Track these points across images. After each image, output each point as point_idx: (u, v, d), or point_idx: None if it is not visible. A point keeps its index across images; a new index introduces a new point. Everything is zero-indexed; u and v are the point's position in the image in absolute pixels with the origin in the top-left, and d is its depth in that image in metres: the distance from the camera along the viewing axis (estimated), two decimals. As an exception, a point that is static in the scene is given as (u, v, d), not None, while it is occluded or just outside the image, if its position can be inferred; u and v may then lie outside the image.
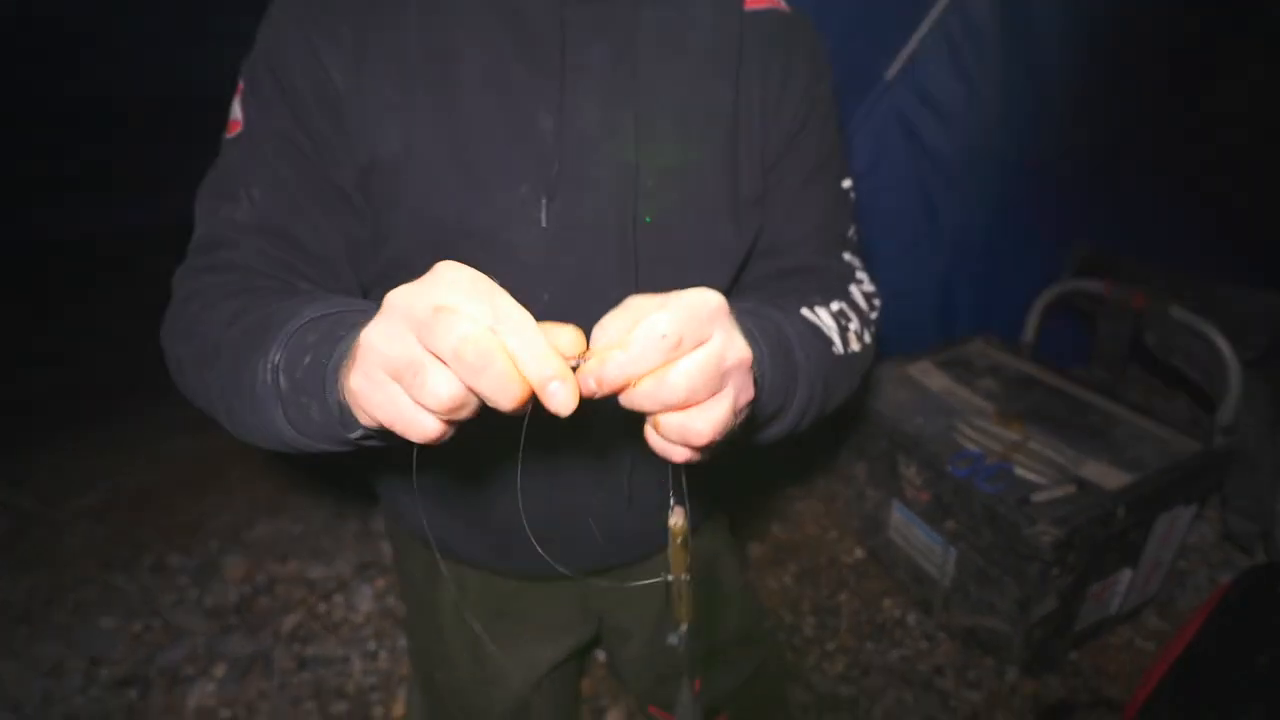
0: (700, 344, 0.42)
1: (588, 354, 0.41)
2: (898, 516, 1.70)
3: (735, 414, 0.44)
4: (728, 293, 0.80)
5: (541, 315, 0.69)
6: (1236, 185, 2.07)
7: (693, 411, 0.43)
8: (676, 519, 0.50)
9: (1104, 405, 1.66)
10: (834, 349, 0.69)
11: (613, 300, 0.67)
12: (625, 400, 0.42)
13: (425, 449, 0.45)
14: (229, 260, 0.65)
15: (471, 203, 0.66)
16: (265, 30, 0.67)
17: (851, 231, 0.83)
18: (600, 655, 1.63)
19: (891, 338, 2.16)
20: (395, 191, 0.67)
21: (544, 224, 0.66)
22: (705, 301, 0.42)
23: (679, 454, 0.45)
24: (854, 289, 0.77)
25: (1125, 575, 1.54)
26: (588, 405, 0.79)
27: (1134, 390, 2.37)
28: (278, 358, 0.51)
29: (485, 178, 0.66)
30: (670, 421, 0.43)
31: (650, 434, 0.45)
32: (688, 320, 0.41)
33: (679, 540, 0.51)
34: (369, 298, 0.78)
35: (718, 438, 0.44)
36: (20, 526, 2.26)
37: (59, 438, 2.66)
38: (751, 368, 0.46)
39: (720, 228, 0.74)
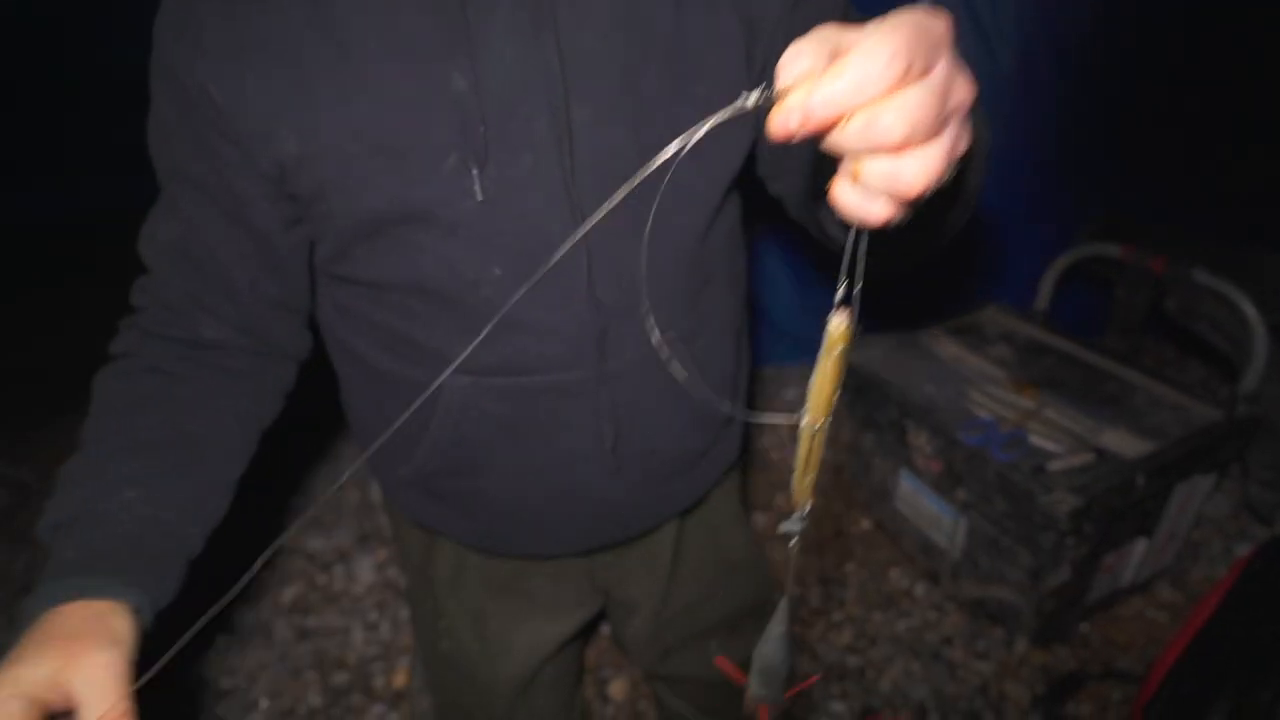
0: (925, 73, 0.33)
1: (783, 89, 0.32)
2: (906, 486, 1.66)
3: (950, 164, 0.36)
4: (702, 237, 0.72)
5: (494, 293, 0.64)
6: (1262, 146, 1.99)
7: (906, 156, 0.34)
8: (839, 320, 0.37)
9: (1121, 372, 1.61)
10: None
11: (572, 263, 0.59)
12: (830, 141, 0.34)
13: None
14: (126, 348, 0.69)
15: (398, 186, 0.60)
16: (153, 58, 0.61)
17: None
18: (604, 628, 1.61)
19: (901, 305, 2.11)
20: (318, 189, 0.61)
21: (480, 196, 0.59)
22: (933, 21, 0.33)
23: (878, 211, 0.36)
24: None
25: (1140, 545, 1.51)
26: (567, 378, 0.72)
27: (1153, 359, 2.32)
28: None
29: (406, 156, 0.59)
30: (876, 168, 0.34)
31: (843, 189, 0.36)
32: (917, 42, 0.32)
33: (836, 351, 0.38)
34: (319, 288, 0.75)
35: (926, 193, 0.35)
36: (20, 499, 2.24)
37: (60, 411, 2.64)
38: (969, 113, 0.37)
39: (681, 162, 0.65)
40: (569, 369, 0.69)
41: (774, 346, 2.32)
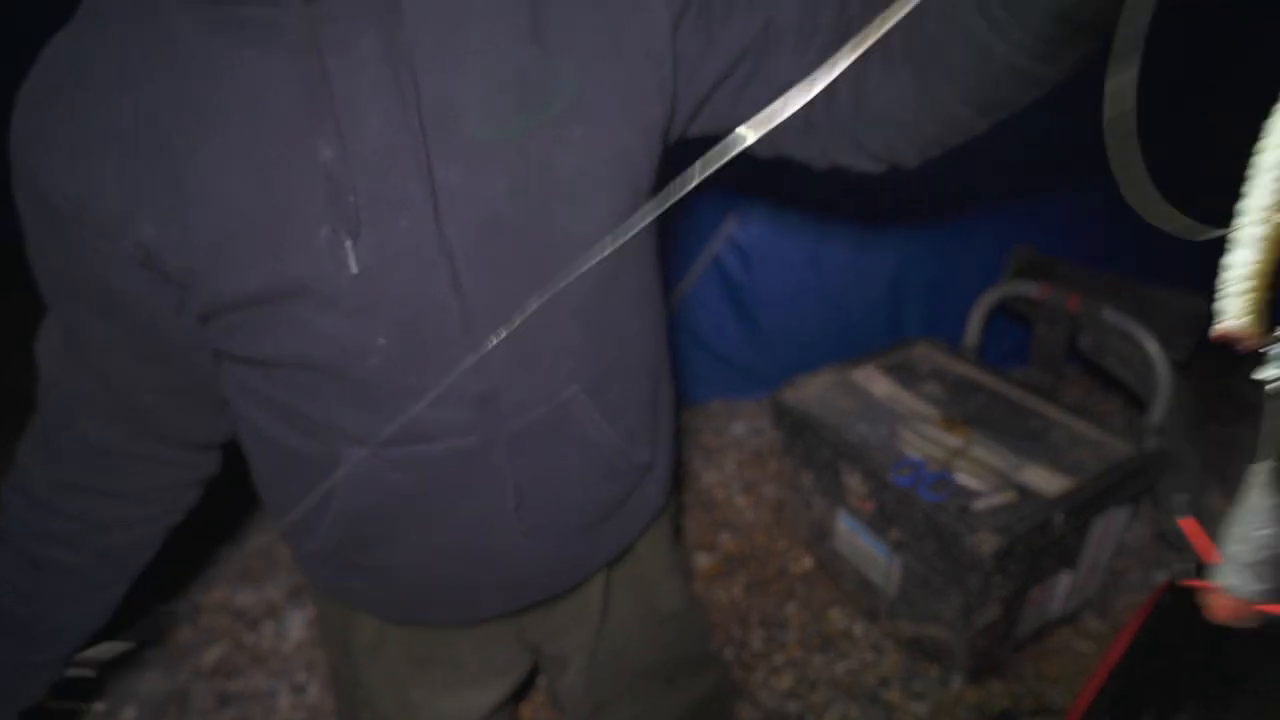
0: None
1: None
2: (843, 526, 1.68)
3: None
4: (601, 286, 0.70)
5: (382, 362, 0.61)
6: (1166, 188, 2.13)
7: None
8: None
9: (1043, 409, 1.68)
10: None
11: (457, 327, 0.58)
12: None
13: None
14: (26, 464, 0.74)
15: (271, 263, 0.58)
16: (12, 173, 0.59)
17: None
18: (541, 680, 1.57)
19: (840, 340, 2.16)
20: (188, 271, 0.59)
21: (354, 269, 0.57)
22: None
23: None
24: None
25: (1064, 578, 1.56)
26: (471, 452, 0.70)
27: (1076, 389, 2.42)
28: None
29: (278, 233, 0.57)
30: None
31: None
32: None
33: None
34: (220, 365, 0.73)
35: None
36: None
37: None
38: None
39: (560, 213, 0.63)
40: (465, 434, 0.68)
41: (720, 380, 2.35)
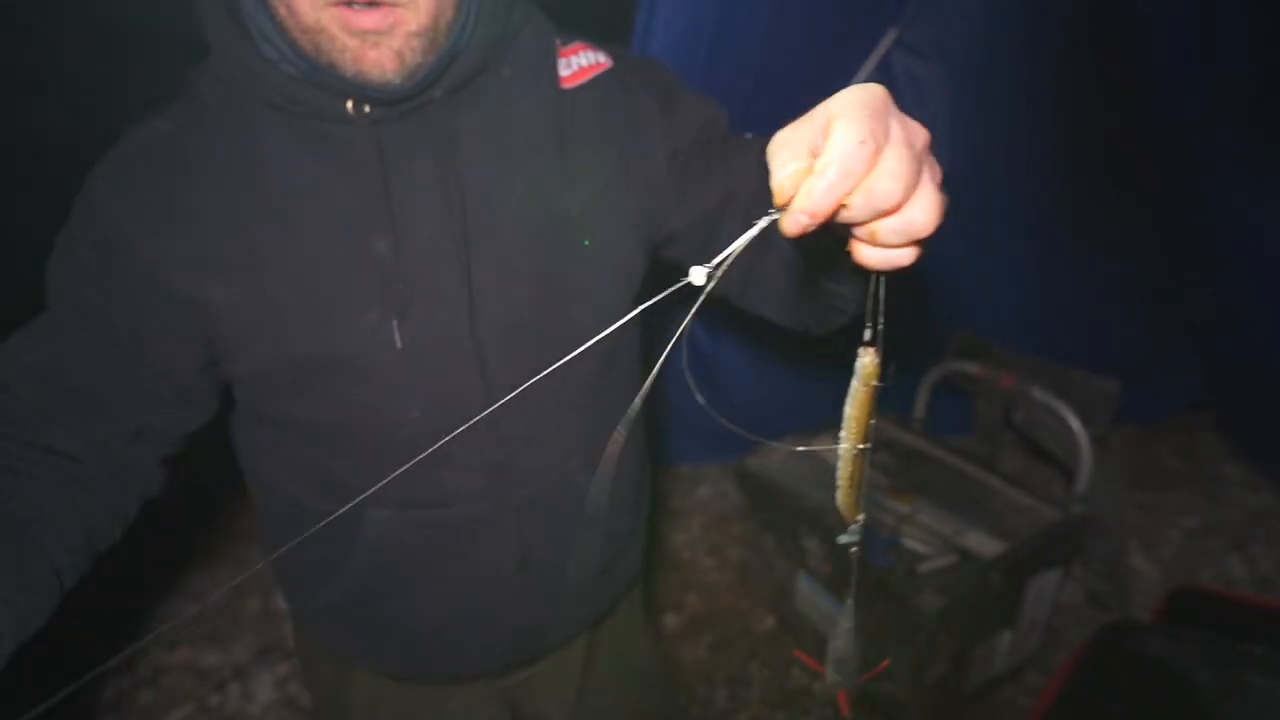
0: (889, 136, 0.39)
1: (782, 192, 0.39)
2: (804, 586, 1.79)
3: (939, 191, 0.41)
4: (603, 372, 0.81)
5: (414, 432, 0.73)
6: (1075, 283, 2.41)
7: (908, 207, 0.39)
8: (869, 357, 0.43)
9: (982, 477, 1.84)
10: None
11: (479, 406, 0.68)
12: (841, 219, 0.39)
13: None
14: None
15: (324, 334, 0.69)
16: (81, 201, 0.69)
17: None
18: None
19: (799, 410, 2.31)
20: (245, 335, 0.70)
21: (399, 344, 0.70)
22: (874, 94, 0.39)
23: (903, 257, 0.42)
24: None
25: (1005, 637, 1.68)
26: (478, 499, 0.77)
27: (1017, 455, 2.61)
28: None
29: (332, 311, 0.69)
30: (890, 225, 0.40)
31: (865, 249, 0.42)
32: (873, 116, 0.38)
33: (868, 384, 0.43)
34: (238, 429, 0.81)
35: (939, 220, 0.41)
36: None
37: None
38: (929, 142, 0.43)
39: (574, 314, 0.76)
40: (480, 500, 0.78)
41: (689, 445, 2.46)
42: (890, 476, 1.84)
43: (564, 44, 0.77)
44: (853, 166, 0.37)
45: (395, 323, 0.69)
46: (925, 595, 1.43)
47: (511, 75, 0.72)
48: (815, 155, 0.38)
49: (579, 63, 0.77)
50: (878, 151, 0.38)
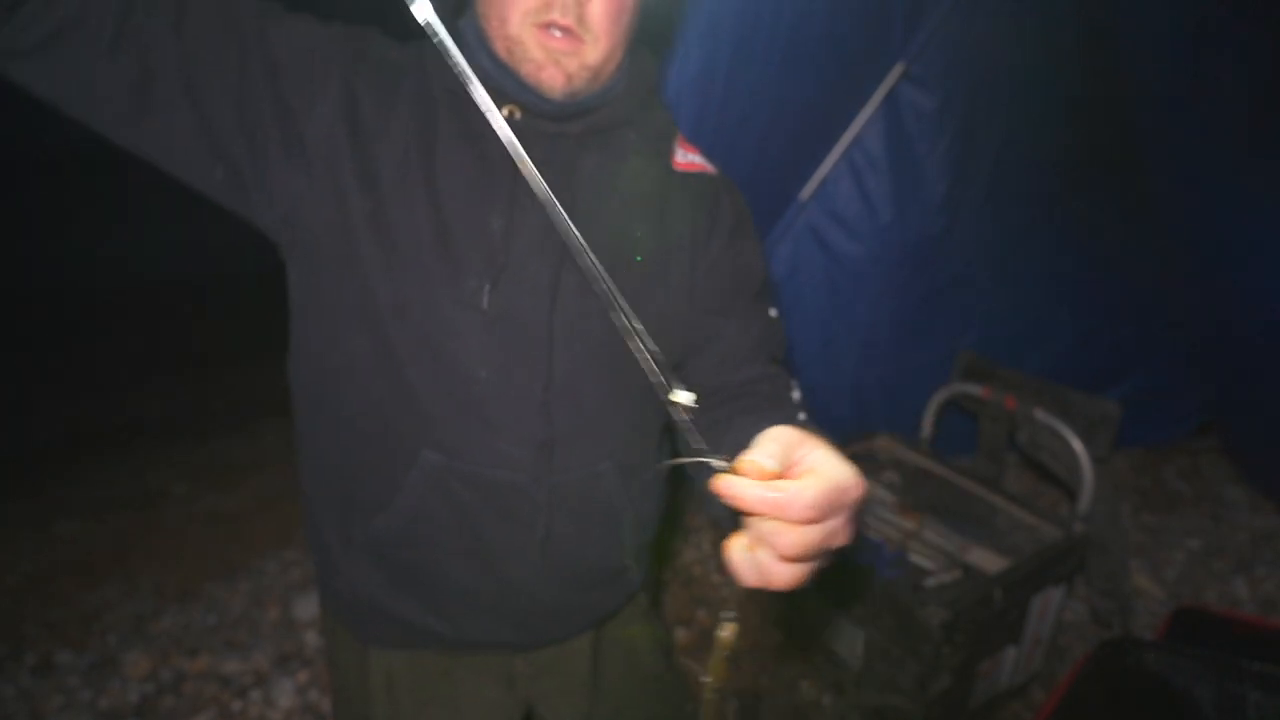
0: (825, 520, 0.48)
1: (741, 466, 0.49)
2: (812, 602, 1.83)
3: (808, 576, 0.51)
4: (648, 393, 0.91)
5: (480, 393, 0.82)
6: (1081, 306, 2.46)
7: (784, 565, 0.49)
8: (725, 632, 0.55)
9: (987, 496, 1.89)
10: None
11: (540, 387, 0.77)
12: (745, 510, 0.49)
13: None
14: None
15: (418, 283, 0.79)
16: (318, 32, 0.79)
17: (782, 354, 0.97)
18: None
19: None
20: (337, 251, 0.79)
21: (485, 305, 0.79)
22: (852, 488, 0.50)
23: (749, 579, 0.51)
24: (796, 394, 0.91)
25: (1010, 652, 1.72)
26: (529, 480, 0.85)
27: (1022, 475, 2.65)
28: None
29: (438, 262, 0.78)
30: (762, 556, 0.49)
31: (737, 548, 0.51)
32: (833, 501, 0.48)
33: (722, 654, 0.56)
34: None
35: (788, 586, 0.50)
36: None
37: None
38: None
39: (627, 341, 0.85)
40: (520, 470, 0.84)
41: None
42: (897, 494, 1.89)
43: (686, 139, 0.92)
44: (791, 512, 0.47)
45: (488, 287, 0.78)
46: (930, 609, 1.47)
47: (637, 139, 0.86)
48: (787, 469, 0.49)
49: (693, 159, 0.91)
50: (812, 521, 0.48)
